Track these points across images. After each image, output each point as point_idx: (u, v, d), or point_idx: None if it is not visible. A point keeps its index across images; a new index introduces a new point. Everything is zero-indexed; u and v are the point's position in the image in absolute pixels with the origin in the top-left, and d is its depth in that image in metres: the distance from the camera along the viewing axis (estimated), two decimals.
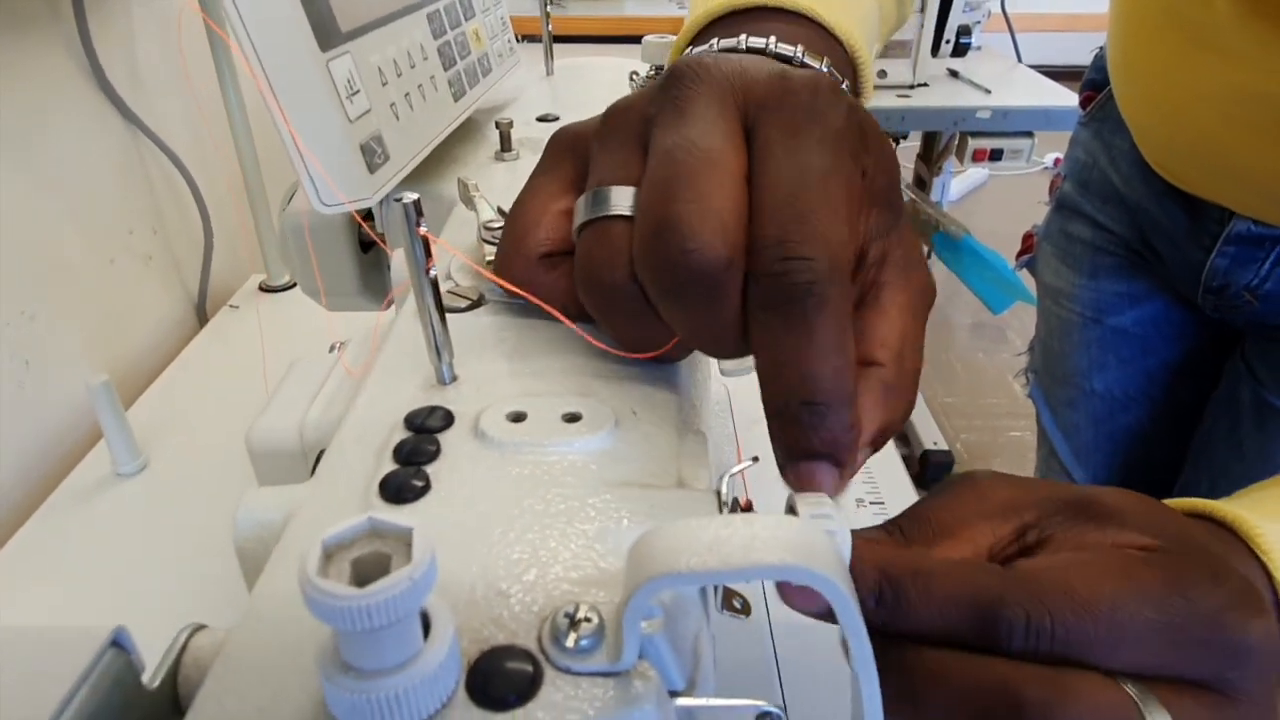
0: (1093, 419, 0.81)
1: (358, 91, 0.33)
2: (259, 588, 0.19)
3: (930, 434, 1.89)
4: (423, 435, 0.23)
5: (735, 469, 0.22)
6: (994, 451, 1.99)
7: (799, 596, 0.21)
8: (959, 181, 3.24)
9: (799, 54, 0.31)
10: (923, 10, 1.57)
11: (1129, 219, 0.70)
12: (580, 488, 0.21)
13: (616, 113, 0.27)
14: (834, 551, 0.17)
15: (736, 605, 0.23)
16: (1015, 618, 0.20)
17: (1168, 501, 0.28)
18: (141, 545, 0.56)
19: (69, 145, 0.68)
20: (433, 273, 0.24)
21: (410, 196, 0.23)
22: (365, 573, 0.15)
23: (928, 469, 1.84)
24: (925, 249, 1.99)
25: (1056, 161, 3.74)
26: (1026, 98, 1.55)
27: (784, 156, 0.23)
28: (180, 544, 0.56)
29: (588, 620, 0.17)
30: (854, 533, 0.23)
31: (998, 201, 3.30)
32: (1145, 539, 0.23)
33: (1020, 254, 0.90)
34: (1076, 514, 0.24)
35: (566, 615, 0.17)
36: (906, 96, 1.59)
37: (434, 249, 0.24)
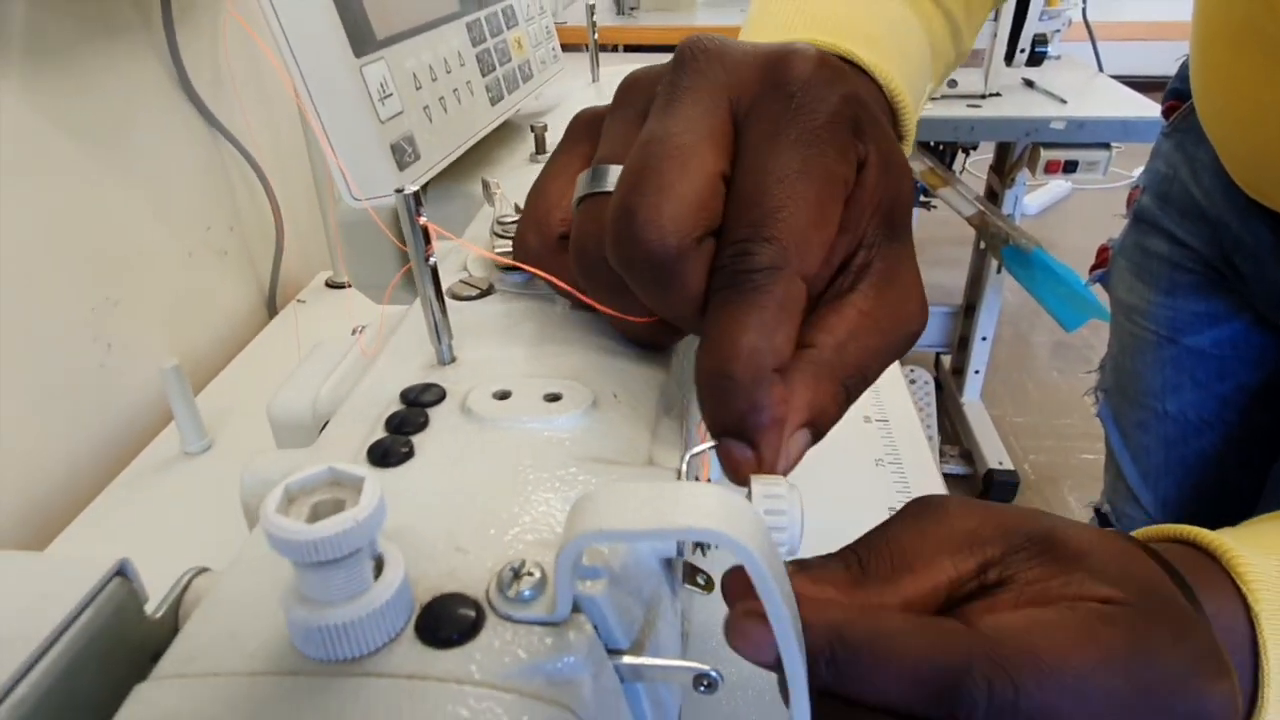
0: (1164, 442, 0.78)
1: (390, 95, 0.36)
2: (252, 536, 0.21)
3: (995, 453, 1.84)
4: (415, 408, 0.25)
5: (697, 449, 0.23)
6: (1064, 474, 1.92)
7: (748, 645, 0.21)
8: (1039, 195, 3.15)
9: None
10: (996, 18, 1.54)
11: (1210, 235, 0.67)
12: (551, 461, 0.23)
13: (626, 89, 0.28)
14: (760, 527, 0.18)
15: (700, 581, 0.24)
16: (978, 689, 0.20)
17: (1150, 530, 0.28)
18: (202, 518, 0.60)
19: (154, 145, 0.73)
20: (432, 260, 0.26)
21: (411, 189, 0.25)
22: (322, 514, 0.17)
23: (991, 489, 1.79)
24: (995, 264, 1.95)
25: None
26: (1104, 108, 1.50)
27: (760, 154, 0.23)
28: (238, 518, 0.59)
29: (530, 574, 0.18)
30: (808, 568, 0.23)
31: (1080, 216, 3.19)
32: (1108, 589, 0.22)
33: (1094, 268, 0.87)
34: (1041, 553, 0.23)
35: (513, 569, 0.19)
36: (977, 106, 1.56)
37: (434, 238, 0.26)
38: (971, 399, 2.00)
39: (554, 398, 0.25)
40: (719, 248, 0.23)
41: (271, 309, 0.91)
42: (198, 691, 0.17)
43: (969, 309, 1.96)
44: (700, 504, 0.17)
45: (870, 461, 0.69)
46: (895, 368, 0.87)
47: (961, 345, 2.00)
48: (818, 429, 0.24)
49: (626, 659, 0.20)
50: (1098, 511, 0.90)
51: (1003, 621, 0.21)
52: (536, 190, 0.29)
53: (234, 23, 0.82)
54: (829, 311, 0.24)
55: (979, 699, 0.20)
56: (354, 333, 0.32)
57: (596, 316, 0.29)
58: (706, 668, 0.19)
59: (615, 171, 0.25)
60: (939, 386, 2.09)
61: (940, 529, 0.24)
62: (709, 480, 0.23)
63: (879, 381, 0.84)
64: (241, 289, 0.87)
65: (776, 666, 0.20)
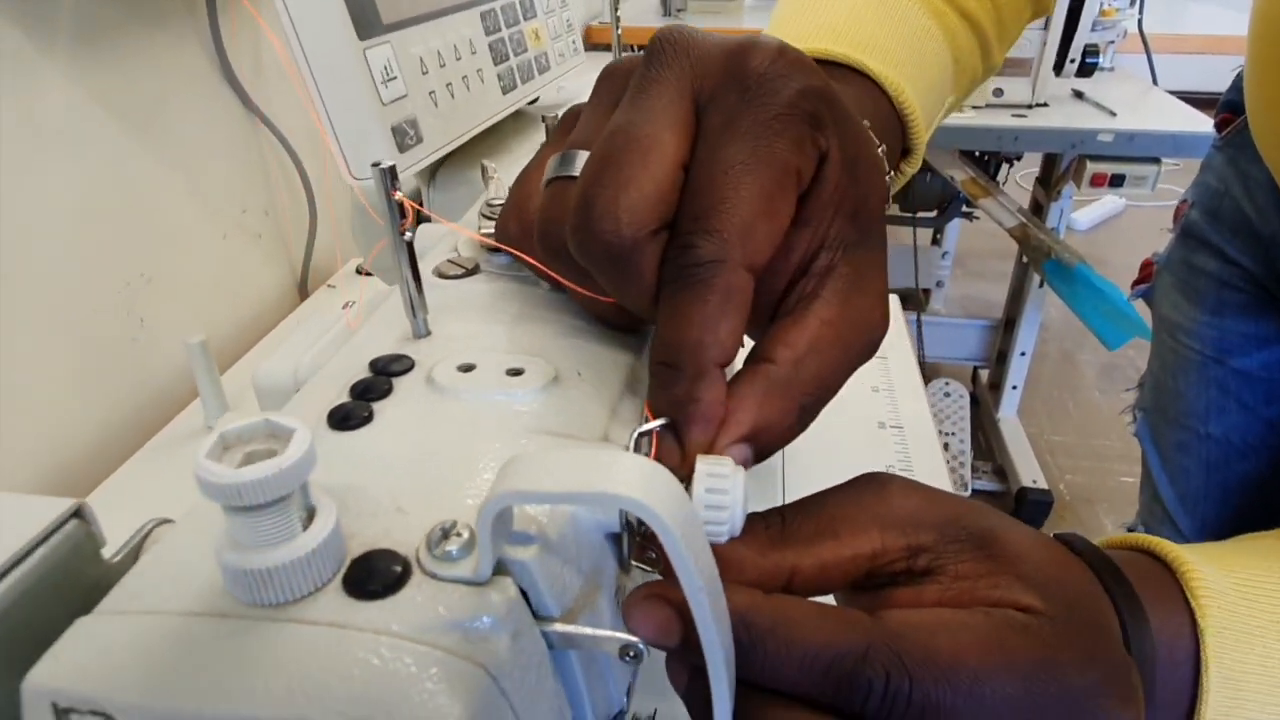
0: (1206, 465, 0.76)
1: (394, 78, 0.37)
2: None
3: (1030, 471, 1.80)
4: (381, 377, 0.25)
5: (645, 427, 0.23)
6: (1100, 495, 1.88)
7: (643, 626, 0.20)
8: (1091, 211, 3.07)
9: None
10: (1046, 26, 1.51)
11: (1262, 254, 0.65)
12: (504, 433, 0.23)
13: (603, 78, 0.29)
14: (682, 502, 0.18)
15: (651, 556, 0.24)
16: (875, 678, 0.20)
17: (1115, 538, 0.27)
18: None
19: (194, 129, 0.76)
20: (408, 235, 0.26)
21: (387, 163, 0.25)
22: (255, 462, 0.17)
23: (1024, 507, 1.75)
24: (1038, 279, 1.91)
25: None
26: (1154, 121, 1.46)
27: (712, 145, 0.23)
28: None
29: (459, 535, 0.19)
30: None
31: (1132, 234, 3.10)
32: (1031, 598, 0.21)
33: (1136, 283, 0.85)
34: (975, 549, 0.23)
35: (443, 529, 0.19)
36: (1022, 116, 1.53)
37: (410, 214, 0.26)
38: (1008, 415, 1.96)
39: (516, 372, 0.25)
40: (670, 240, 0.23)
41: (303, 292, 0.93)
42: (134, 626, 0.18)
43: (1009, 323, 1.92)
44: (622, 472, 0.17)
45: (881, 467, 0.68)
46: (919, 380, 0.86)
47: (1000, 360, 1.96)
48: (761, 446, 0.24)
49: (557, 626, 0.20)
50: (1131, 533, 0.88)
51: (911, 617, 0.21)
52: (520, 178, 0.30)
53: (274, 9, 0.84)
54: (790, 323, 0.24)
55: (875, 687, 0.20)
56: (344, 307, 0.33)
57: (575, 299, 0.30)
58: (633, 639, 0.20)
59: (582, 157, 0.25)
60: (974, 401, 2.05)
61: (878, 504, 0.24)
62: (656, 459, 0.23)
63: (896, 387, 0.84)
64: (273, 272, 0.90)
65: (684, 653, 0.20)
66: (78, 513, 0.20)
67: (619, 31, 0.63)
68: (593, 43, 2.08)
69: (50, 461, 0.64)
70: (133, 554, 0.22)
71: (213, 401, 0.69)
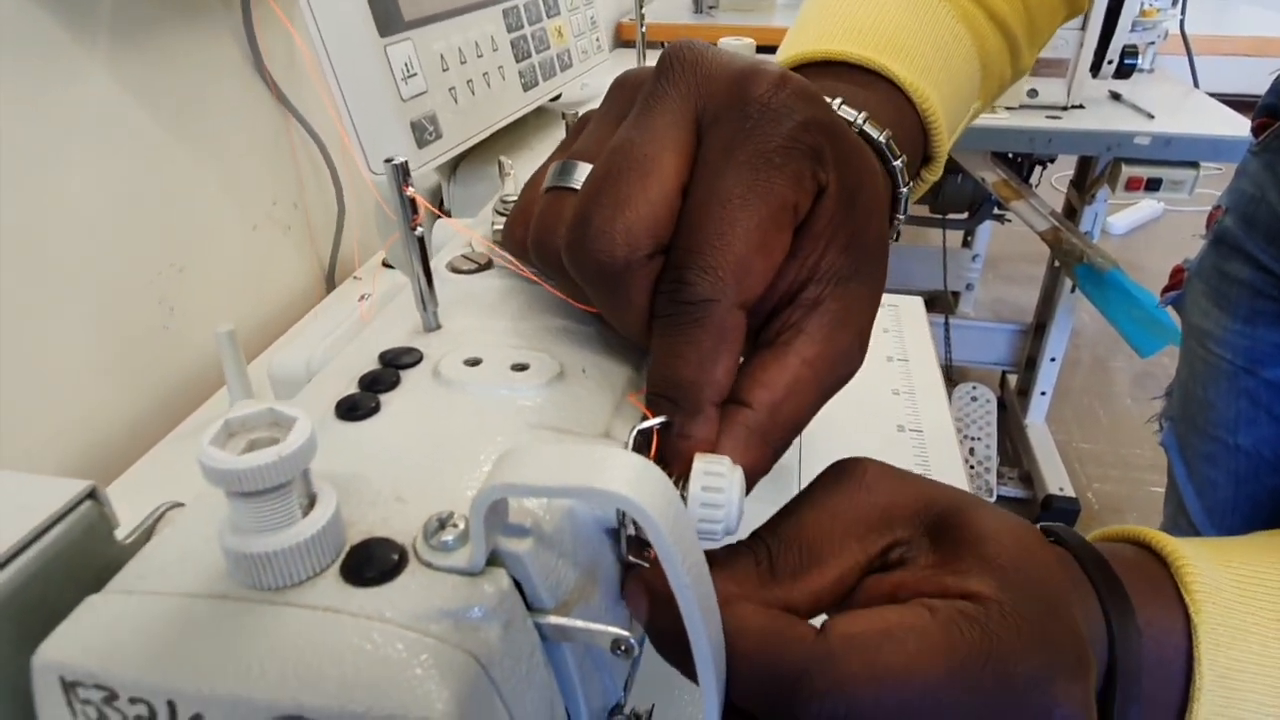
0: (1234, 477, 0.74)
1: (414, 74, 0.37)
2: None
3: (1057, 478, 1.78)
4: (389, 369, 0.26)
5: (644, 425, 0.23)
6: (1129, 505, 1.84)
7: (634, 606, 0.22)
8: (1127, 215, 3.01)
9: (859, 120, 0.30)
10: (1083, 27, 1.49)
11: None
12: (506, 427, 0.24)
13: (615, 88, 0.29)
14: (672, 500, 0.18)
15: (646, 557, 0.25)
16: (811, 700, 0.20)
17: (1110, 530, 0.27)
18: None
19: (226, 122, 0.77)
20: (419, 230, 0.27)
21: (399, 159, 0.26)
22: (258, 449, 0.18)
23: (1049, 515, 1.73)
24: (1069, 284, 1.87)
25: None
26: (1193, 125, 1.43)
27: (709, 173, 0.23)
28: None
29: (455, 525, 0.19)
30: (717, 561, 0.23)
31: (1170, 239, 3.04)
32: (986, 583, 0.21)
33: (1167, 289, 0.83)
34: (942, 537, 0.23)
35: (439, 519, 0.19)
36: (1057, 118, 1.50)
37: (422, 210, 0.27)
38: (1035, 421, 1.93)
39: (521, 367, 0.26)
40: (664, 269, 0.23)
41: (330, 284, 0.94)
42: (139, 605, 0.18)
43: (1039, 328, 1.89)
44: (613, 468, 0.18)
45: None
46: (941, 384, 0.85)
47: (1029, 365, 1.94)
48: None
49: (550, 618, 0.20)
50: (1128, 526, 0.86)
51: (856, 627, 0.21)
52: (529, 182, 0.30)
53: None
54: (771, 358, 0.24)
55: (811, 709, 0.20)
56: (360, 299, 0.33)
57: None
58: (624, 632, 0.20)
59: (582, 169, 0.26)
60: (1002, 406, 2.03)
61: (852, 508, 0.24)
62: (655, 456, 0.23)
63: (917, 390, 0.83)
64: (301, 263, 0.91)
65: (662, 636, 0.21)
66: (92, 494, 0.21)
67: (643, 29, 0.63)
68: (624, 39, 2.09)
69: (81, 445, 0.65)
70: (145, 536, 0.22)
71: (239, 390, 0.70)
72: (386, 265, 0.97)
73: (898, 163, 0.31)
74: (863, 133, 0.30)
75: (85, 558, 0.21)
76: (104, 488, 0.64)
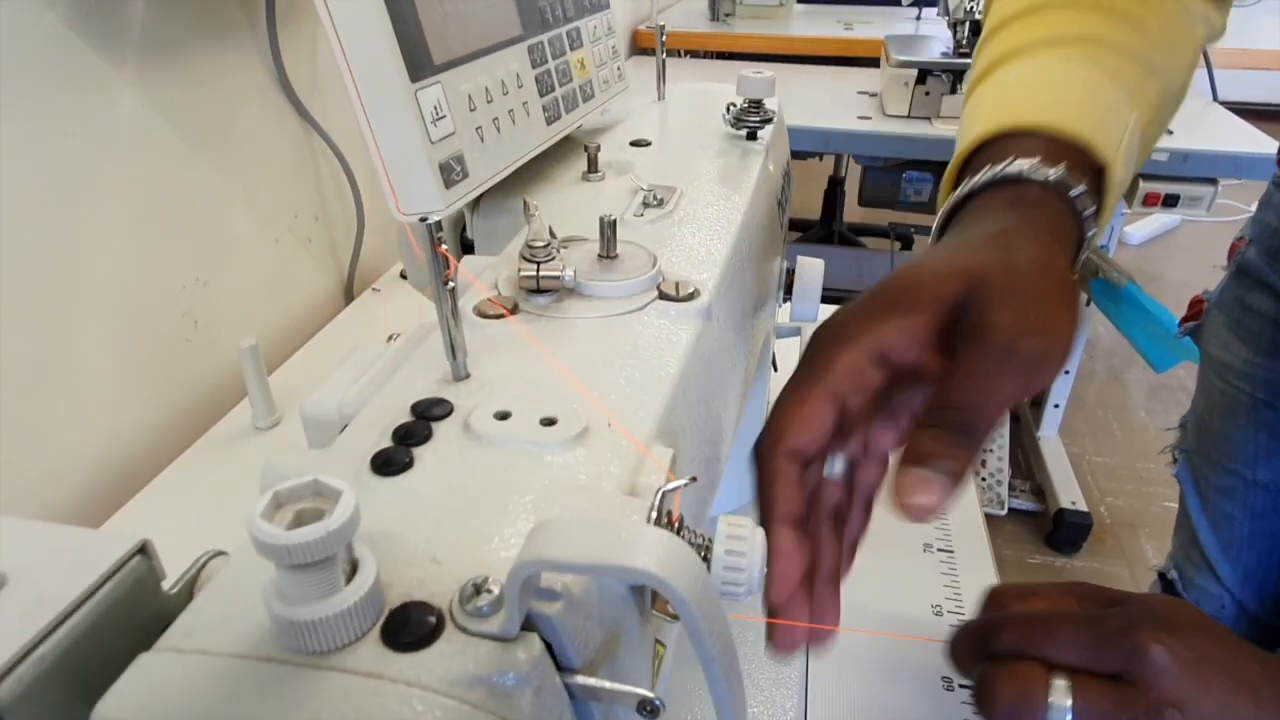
0: (1251, 512, 0.74)
1: (443, 117, 0.38)
2: None
3: (1069, 492, 1.77)
4: (421, 421, 0.27)
5: (669, 486, 0.24)
6: (1143, 520, 1.84)
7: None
8: (1144, 225, 3.00)
9: (1058, 174, 0.35)
10: None
11: None
12: (536, 484, 0.24)
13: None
14: (700, 575, 0.19)
15: (669, 612, 0.26)
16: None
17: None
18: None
19: (250, 137, 0.78)
20: (450, 284, 0.28)
21: (434, 218, 0.27)
22: (304, 521, 0.19)
23: (1061, 529, 1.72)
24: (1084, 298, 1.87)
25: None
26: (1213, 141, 1.43)
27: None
28: None
29: (489, 591, 0.20)
30: None
31: (1187, 250, 3.02)
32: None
33: (1185, 319, 0.82)
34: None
35: (474, 584, 0.20)
36: None
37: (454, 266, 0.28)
38: (1048, 434, 1.93)
39: (550, 421, 0.26)
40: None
41: (348, 296, 0.96)
42: (187, 665, 0.19)
43: None
44: (641, 545, 0.18)
45: None
46: None
47: None
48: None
49: (579, 678, 0.21)
50: (1162, 576, 0.85)
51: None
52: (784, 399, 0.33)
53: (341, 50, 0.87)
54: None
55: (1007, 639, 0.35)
56: (389, 339, 0.34)
57: (610, 344, 0.31)
58: (650, 694, 0.21)
59: None
60: (1014, 418, 2.02)
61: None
62: (679, 516, 0.24)
63: None
64: (321, 276, 0.92)
65: None
66: (142, 549, 0.22)
67: (663, 55, 0.64)
68: (640, 47, 2.09)
69: (106, 457, 0.67)
70: (188, 586, 0.23)
71: (261, 405, 0.72)
72: (404, 276, 0.98)
73: (1088, 212, 0.35)
74: (1058, 182, 0.35)
75: (135, 610, 0.22)
76: (126, 498, 0.65)
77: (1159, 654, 0.32)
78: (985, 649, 0.35)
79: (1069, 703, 0.31)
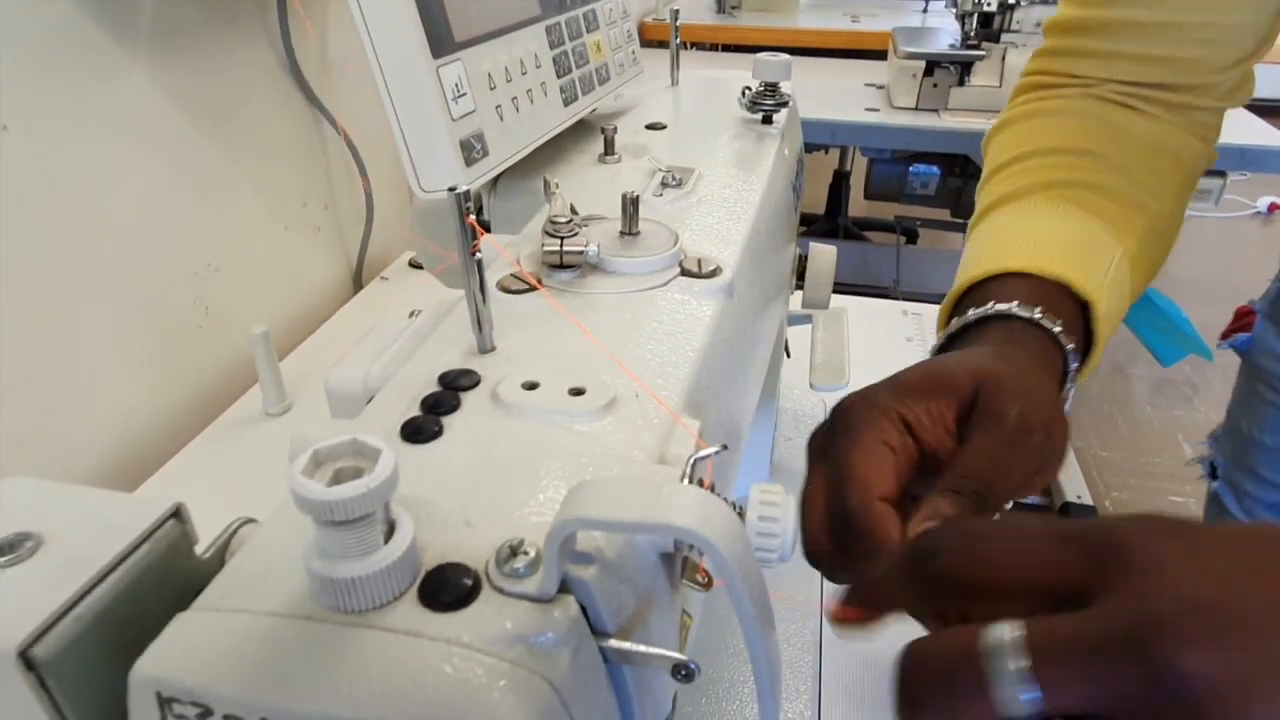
0: None
1: (464, 94, 0.38)
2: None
3: (1074, 486, 1.77)
4: (450, 391, 0.27)
5: (702, 453, 0.24)
6: None
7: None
8: None
9: (1037, 315, 0.37)
10: None
11: None
12: (566, 451, 0.24)
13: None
14: (738, 533, 0.19)
15: (699, 580, 0.26)
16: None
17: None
18: (274, 474, 0.64)
19: (261, 125, 0.78)
20: (478, 255, 0.28)
21: (463, 188, 0.27)
22: (344, 479, 0.19)
23: None
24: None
25: (1272, 208, 3.36)
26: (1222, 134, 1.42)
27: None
28: None
29: (525, 553, 0.20)
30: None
31: (1193, 245, 3.01)
32: None
33: (1230, 331, 0.79)
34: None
35: (510, 546, 0.20)
36: None
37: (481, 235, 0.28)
38: None
39: (578, 391, 0.26)
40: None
41: (357, 284, 0.96)
42: (226, 623, 0.19)
43: None
44: (681, 503, 0.18)
45: None
46: None
47: None
48: None
49: (613, 642, 0.21)
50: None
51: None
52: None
53: (342, 14, 0.86)
54: None
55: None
56: (411, 315, 0.34)
57: (634, 318, 0.31)
58: (684, 658, 0.21)
59: None
60: None
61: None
62: (711, 484, 0.24)
63: None
64: (330, 263, 0.92)
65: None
66: (176, 513, 0.22)
67: (677, 40, 0.64)
68: (648, 39, 2.09)
69: (119, 439, 0.67)
70: (220, 551, 0.23)
71: (272, 389, 0.72)
72: (414, 265, 0.98)
73: (1069, 346, 0.38)
74: (1029, 319, 0.38)
75: (169, 573, 0.22)
76: (139, 480, 0.65)
77: (1148, 542, 0.21)
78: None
79: (1016, 635, 0.20)
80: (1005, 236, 0.44)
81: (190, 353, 0.73)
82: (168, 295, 0.70)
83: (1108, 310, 0.41)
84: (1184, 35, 0.47)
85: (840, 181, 2.60)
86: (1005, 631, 0.20)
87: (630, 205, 0.36)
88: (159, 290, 0.69)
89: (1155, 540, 0.21)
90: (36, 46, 0.56)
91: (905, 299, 1.02)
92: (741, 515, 0.23)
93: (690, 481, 0.24)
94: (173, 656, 0.18)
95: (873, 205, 2.12)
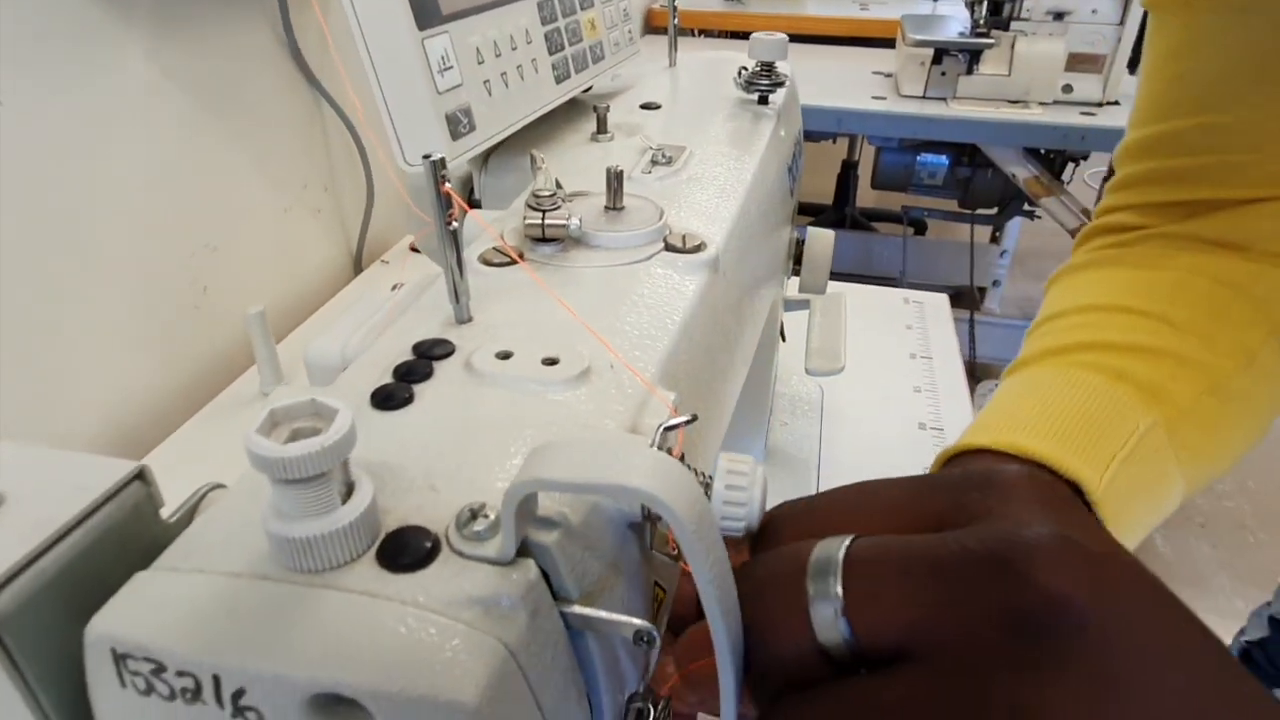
0: None
1: (450, 67, 0.38)
2: None
3: None
4: (422, 360, 0.26)
5: (671, 421, 0.24)
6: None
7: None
8: None
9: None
10: (1122, 22, 1.46)
11: None
12: (536, 419, 0.24)
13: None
14: (697, 497, 0.19)
15: (670, 553, 0.25)
16: None
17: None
18: None
19: (261, 106, 0.78)
20: (453, 225, 0.28)
21: (437, 155, 0.26)
22: (300, 438, 0.19)
23: None
24: None
25: None
26: None
27: None
28: None
29: (486, 516, 0.20)
30: None
31: None
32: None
33: None
34: None
35: (471, 509, 0.20)
36: (1091, 114, 1.48)
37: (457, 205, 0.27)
38: None
39: (551, 361, 0.26)
40: None
41: (357, 267, 0.96)
42: (183, 582, 0.19)
43: None
44: (640, 466, 0.18)
45: (919, 469, 0.68)
46: (964, 381, 0.85)
47: None
48: None
49: (575, 608, 0.21)
50: (1273, 620, 0.76)
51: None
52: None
53: None
54: None
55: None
56: (393, 289, 0.34)
57: (615, 292, 0.31)
58: (646, 624, 0.21)
59: None
60: None
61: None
62: (681, 454, 0.24)
63: (939, 388, 0.83)
64: (330, 246, 0.92)
65: None
66: (140, 475, 0.22)
67: (675, 20, 0.63)
68: (654, 25, 2.08)
69: (114, 420, 0.67)
70: (188, 515, 0.23)
71: (268, 370, 0.72)
72: (414, 250, 0.98)
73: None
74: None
75: (132, 535, 0.22)
76: (135, 460, 0.65)
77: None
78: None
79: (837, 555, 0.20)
80: (1008, 404, 0.39)
81: (188, 333, 0.73)
82: (166, 274, 0.70)
83: (1130, 485, 0.35)
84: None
85: (848, 171, 2.59)
86: (837, 547, 0.21)
87: (614, 180, 0.35)
88: (157, 270, 0.69)
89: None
90: (37, 25, 0.56)
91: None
92: (708, 488, 0.23)
93: (659, 450, 0.23)
94: (128, 614, 0.18)
95: (881, 196, 2.11)
